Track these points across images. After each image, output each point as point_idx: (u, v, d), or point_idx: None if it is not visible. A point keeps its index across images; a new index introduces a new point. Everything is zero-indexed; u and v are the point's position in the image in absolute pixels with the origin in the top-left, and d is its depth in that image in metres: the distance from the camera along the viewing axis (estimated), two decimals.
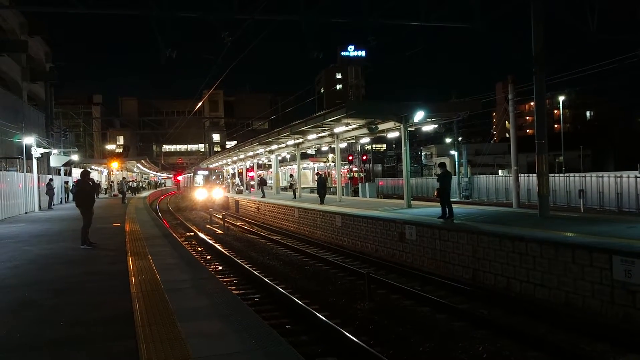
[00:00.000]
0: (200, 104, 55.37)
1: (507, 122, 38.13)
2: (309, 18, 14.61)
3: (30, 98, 40.39)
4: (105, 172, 51.89)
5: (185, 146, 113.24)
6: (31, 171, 25.75)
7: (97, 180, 43.55)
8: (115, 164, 45.35)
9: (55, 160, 31.42)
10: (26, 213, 23.62)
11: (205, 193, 38.57)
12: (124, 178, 46.17)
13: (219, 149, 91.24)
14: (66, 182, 35.37)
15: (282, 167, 47.39)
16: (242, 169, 49.05)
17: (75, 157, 38.16)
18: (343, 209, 19.14)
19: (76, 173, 40.60)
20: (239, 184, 46.74)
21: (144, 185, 71.12)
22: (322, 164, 45.53)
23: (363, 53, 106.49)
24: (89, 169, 13.61)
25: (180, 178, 63.72)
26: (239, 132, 77.09)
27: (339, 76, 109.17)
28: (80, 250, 11.10)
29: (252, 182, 45.54)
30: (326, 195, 24.10)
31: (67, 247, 11.56)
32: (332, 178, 37.61)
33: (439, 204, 14.64)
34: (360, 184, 38.26)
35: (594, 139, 66.53)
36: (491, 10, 15.24)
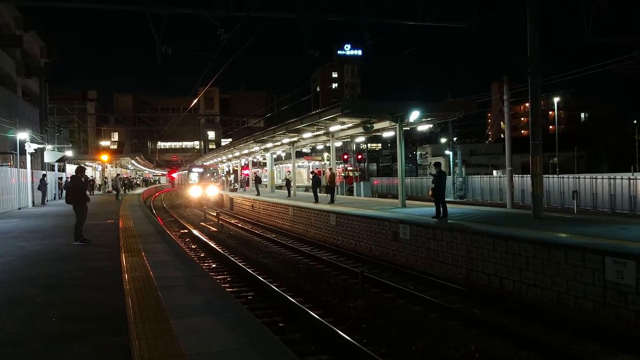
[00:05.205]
0: (195, 101, 55.13)
1: (502, 122, 38.22)
2: (306, 16, 14.57)
3: (25, 93, 40.08)
4: (100, 169, 51.67)
5: (180, 143, 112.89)
6: (25, 167, 25.60)
7: (92, 177, 43.30)
8: (105, 157, 45.08)
9: (49, 156, 31.26)
10: (19, 209, 23.51)
11: (200, 190, 38.49)
12: (118, 175, 45.97)
13: (214, 147, 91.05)
14: (60, 178, 35.16)
15: (277, 165, 47.32)
16: (237, 166, 48.93)
17: (69, 153, 37.95)
18: (337, 208, 19.14)
19: (70, 169, 40.35)
20: (233, 181, 46.61)
21: (138, 182, 70.75)
22: (317, 163, 45.48)
23: (359, 52, 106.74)
24: (83, 165, 13.50)
25: (174, 175, 63.55)
26: (234, 130, 76.93)
27: (334, 75, 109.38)
28: (73, 246, 11.05)
29: (246, 179, 45.43)
30: (320, 194, 24.10)
31: (61, 243, 11.52)
32: (326, 176, 37.61)
33: (433, 203, 14.68)
34: (355, 183, 38.27)
35: (589, 140, 66.76)
36: (488, 10, 15.26)
